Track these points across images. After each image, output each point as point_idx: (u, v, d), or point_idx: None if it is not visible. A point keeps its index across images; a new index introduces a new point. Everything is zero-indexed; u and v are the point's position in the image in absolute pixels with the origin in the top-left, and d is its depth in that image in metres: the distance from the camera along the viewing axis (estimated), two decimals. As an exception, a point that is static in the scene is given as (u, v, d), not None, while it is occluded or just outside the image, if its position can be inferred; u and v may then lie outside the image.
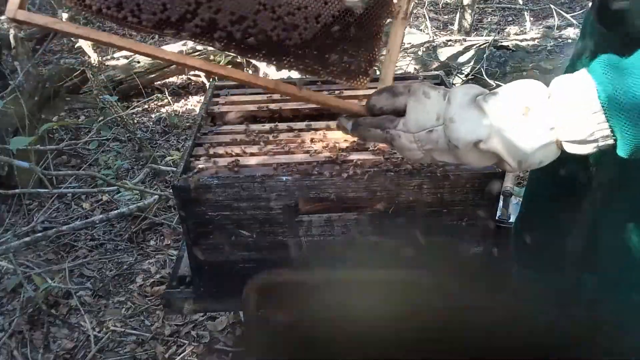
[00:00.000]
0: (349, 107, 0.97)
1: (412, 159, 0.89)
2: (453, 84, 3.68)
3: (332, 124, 1.35)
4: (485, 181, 1.13)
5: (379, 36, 0.96)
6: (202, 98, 1.68)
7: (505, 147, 0.78)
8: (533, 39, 4.36)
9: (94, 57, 3.40)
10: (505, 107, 0.78)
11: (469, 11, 4.86)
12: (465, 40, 4.21)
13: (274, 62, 0.93)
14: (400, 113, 0.87)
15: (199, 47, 4.17)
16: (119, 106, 3.34)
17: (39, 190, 2.69)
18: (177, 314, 2.09)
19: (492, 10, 6.09)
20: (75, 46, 4.43)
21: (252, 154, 1.23)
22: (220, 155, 1.23)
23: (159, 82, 4.35)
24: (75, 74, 3.94)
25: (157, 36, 5.37)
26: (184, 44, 4.24)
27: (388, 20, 0.96)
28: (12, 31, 3.47)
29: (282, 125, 1.35)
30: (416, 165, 1.14)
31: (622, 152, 0.73)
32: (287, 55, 0.92)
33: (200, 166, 1.18)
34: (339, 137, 1.27)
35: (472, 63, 3.90)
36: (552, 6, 5.09)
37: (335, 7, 0.89)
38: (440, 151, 0.84)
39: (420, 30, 5.10)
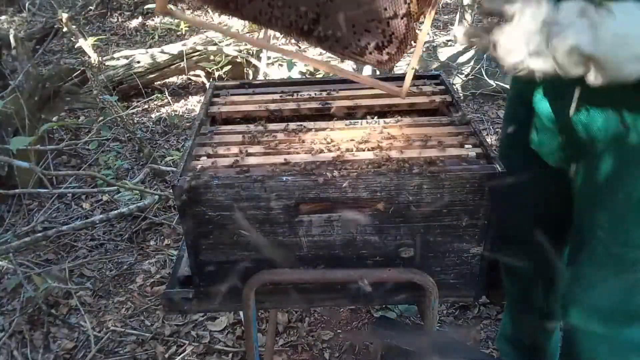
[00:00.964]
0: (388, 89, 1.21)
1: (509, 61, 0.96)
2: (453, 84, 3.68)
3: (333, 124, 1.35)
4: (485, 181, 1.13)
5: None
6: (202, 98, 1.68)
7: (603, 54, 0.87)
8: (533, 39, 4.35)
9: (94, 57, 3.40)
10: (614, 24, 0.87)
11: (469, 11, 4.85)
12: (465, 40, 4.20)
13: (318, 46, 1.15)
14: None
15: (199, 48, 4.17)
16: (119, 106, 3.34)
17: (39, 190, 2.69)
18: (177, 314, 2.09)
19: (492, 10, 6.09)
20: (75, 46, 4.43)
21: (252, 154, 1.22)
22: (220, 156, 1.23)
23: (159, 82, 4.35)
24: (75, 74, 3.94)
25: (157, 36, 5.38)
26: (184, 45, 4.25)
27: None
28: (12, 31, 3.47)
29: (282, 125, 1.35)
30: (416, 165, 1.14)
31: None
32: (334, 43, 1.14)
33: (200, 166, 1.18)
34: (340, 137, 1.27)
35: (472, 63, 3.90)
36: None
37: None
38: (537, 55, 0.93)
39: (420, 30, 5.09)
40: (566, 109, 1.16)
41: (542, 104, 1.28)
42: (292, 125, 1.35)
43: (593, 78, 0.92)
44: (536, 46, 0.93)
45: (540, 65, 0.94)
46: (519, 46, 0.94)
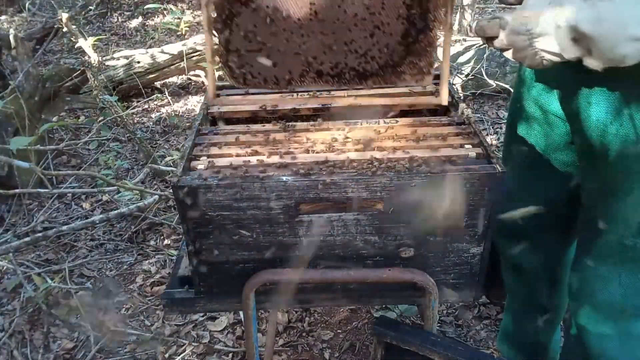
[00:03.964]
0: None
1: (517, 45, 1.02)
2: (453, 84, 3.68)
3: (333, 124, 1.35)
4: (485, 181, 1.13)
5: (434, 45, 1.29)
6: (202, 98, 1.68)
7: (599, 33, 0.91)
8: (533, 39, 4.34)
9: (94, 57, 3.40)
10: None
11: (469, 11, 4.85)
12: (465, 40, 4.21)
13: (363, 85, 1.32)
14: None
15: (199, 48, 4.16)
16: (119, 106, 3.34)
17: (39, 190, 2.69)
18: (177, 314, 2.09)
19: (492, 10, 6.09)
20: (76, 46, 4.43)
21: (252, 154, 1.22)
22: (220, 156, 1.23)
23: (159, 82, 4.35)
24: (75, 74, 3.94)
25: (157, 36, 5.37)
26: (184, 45, 4.25)
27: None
28: (12, 31, 3.47)
29: (282, 125, 1.35)
30: (416, 165, 1.14)
31: None
32: (372, 76, 1.31)
33: (200, 166, 1.18)
34: (340, 137, 1.27)
35: (472, 63, 3.90)
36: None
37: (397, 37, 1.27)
38: (543, 35, 0.98)
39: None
40: (575, 105, 1.17)
41: (549, 102, 1.29)
42: (292, 125, 1.35)
43: (591, 61, 0.95)
44: (542, 27, 0.97)
45: (545, 46, 0.98)
46: (526, 27, 0.99)
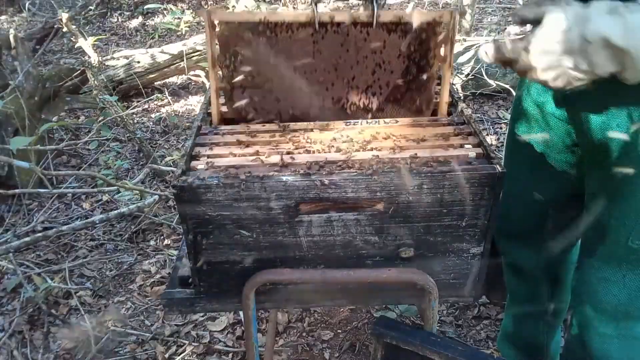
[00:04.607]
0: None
1: (543, 65, 0.97)
2: (453, 84, 3.68)
3: (332, 124, 1.35)
4: (485, 181, 1.13)
5: (433, 82, 1.33)
6: (202, 98, 1.68)
7: (633, 46, 0.88)
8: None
9: (94, 57, 3.40)
10: None
11: (469, 11, 4.85)
12: (465, 40, 4.21)
13: (365, 117, 1.36)
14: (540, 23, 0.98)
15: (199, 48, 4.17)
16: (119, 106, 3.34)
17: (39, 190, 2.69)
18: (177, 314, 2.09)
19: (492, 10, 6.09)
20: (75, 46, 4.43)
21: (252, 154, 1.22)
22: (220, 156, 1.23)
23: (159, 82, 4.35)
24: (75, 74, 3.94)
25: (157, 36, 5.38)
26: (184, 45, 4.25)
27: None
28: (12, 31, 3.47)
29: (282, 125, 1.35)
30: (416, 165, 1.14)
31: None
32: (372, 111, 1.36)
33: (200, 166, 1.18)
34: (340, 137, 1.27)
35: (472, 63, 3.90)
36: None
37: (398, 74, 1.32)
38: (571, 52, 0.93)
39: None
40: (581, 108, 1.16)
41: (549, 103, 1.29)
42: (292, 125, 1.35)
43: (626, 75, 0.92)
44: (570, 43, 0.92)
45: (575, 64, 0.94)
46: (552, 46, 0.94)
